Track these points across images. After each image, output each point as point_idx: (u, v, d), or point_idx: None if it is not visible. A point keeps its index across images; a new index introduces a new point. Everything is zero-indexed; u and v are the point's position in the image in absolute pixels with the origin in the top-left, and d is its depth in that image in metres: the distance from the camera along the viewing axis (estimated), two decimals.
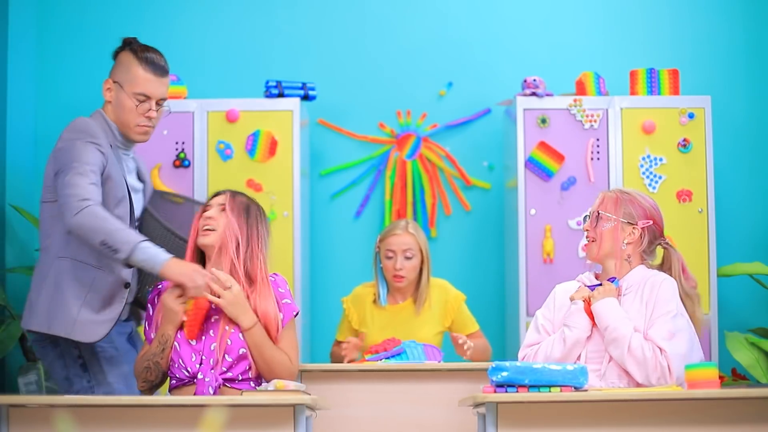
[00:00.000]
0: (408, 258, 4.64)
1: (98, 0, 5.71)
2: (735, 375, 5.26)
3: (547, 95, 5.24)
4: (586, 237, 3.71)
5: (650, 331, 3.51)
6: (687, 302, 3.64)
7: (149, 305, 3.71)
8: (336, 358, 4.69)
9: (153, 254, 3.58)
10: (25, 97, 5.56)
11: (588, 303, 3.60)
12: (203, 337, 3.59)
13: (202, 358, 3.56)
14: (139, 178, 3.97)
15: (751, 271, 5.27)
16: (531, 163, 5.19)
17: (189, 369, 3.56)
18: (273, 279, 3.68)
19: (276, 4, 5.74)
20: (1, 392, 5.07)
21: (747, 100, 5.66)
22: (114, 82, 3.85)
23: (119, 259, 3.61)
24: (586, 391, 3.17)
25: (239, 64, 5.67)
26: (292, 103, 5.26)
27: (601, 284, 3.63)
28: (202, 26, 5.70)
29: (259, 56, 5.69)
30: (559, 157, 5.19)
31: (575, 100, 5.22)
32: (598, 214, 3.68)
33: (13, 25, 5.43)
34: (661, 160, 5.19)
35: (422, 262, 4.68)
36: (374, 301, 4.71)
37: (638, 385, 3.47)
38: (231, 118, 5.23)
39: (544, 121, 5.21)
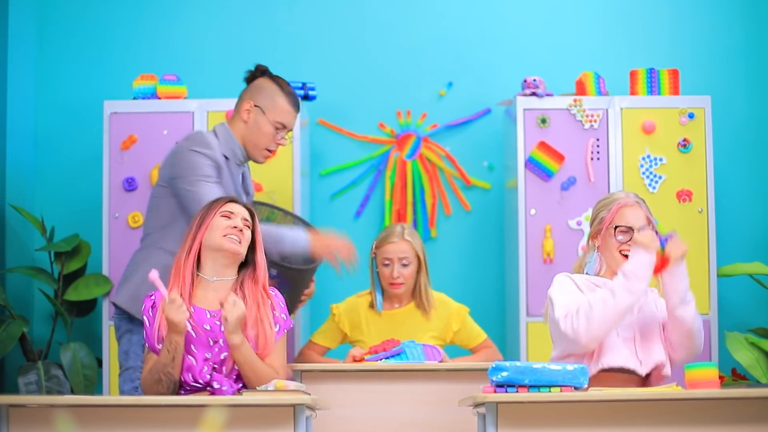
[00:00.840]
0: (404, 265, 4.62)
1: (98, 0, 5.71)
2: (735, 375, 5.26)
3: (547, 95, 5.24)
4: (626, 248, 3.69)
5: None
6: None
7: (144, 316, 3.60)
8: (304, 360, 4.66)
9: (293, 237, 4.12)
10: (25, 97, 5.56)
11: (663, 259, 3.58)
12: (213, 347, 3.53)
13: (213, 367, 3.51)
14: (245, 190, 4.32)
15: (751, 271, 5.27)
16: (531, 163, 5.19)
17: (201, 380, 3.50)
18: (273, 293, 3.67)
19: (276, 4, 5.74)
20: (1, 392, 5.07)
21: (747, 100, 5.66)
22: (255, 106, 4.18)
23: (278, 261, 4.14)
24: (586, 391, 3.17)
25: (239, 64, 5.65)
26: None
27: (669, 237, 3.61)
28: (202, 26, 5.70)
29: (259, 56, 5.67)
30: (559, 157, 5.19)
31: (575, 100, 5.22)
32: (655, 231, 3.72)
33: (13, 25, 5.43)
34: (661, 160, 5.19)
35: (419, 267, 4.65)
36: (370, 306, 4.68)
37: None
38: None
39: (544, 121, 5.21)
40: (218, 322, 3.54)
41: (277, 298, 3.67)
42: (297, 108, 4.26)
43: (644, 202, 3.79)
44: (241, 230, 3.62)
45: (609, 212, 3.73)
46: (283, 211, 4.72)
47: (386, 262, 4.64)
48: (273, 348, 3.56)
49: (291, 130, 4.30)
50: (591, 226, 3.80)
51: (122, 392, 4.10)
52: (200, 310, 3.56)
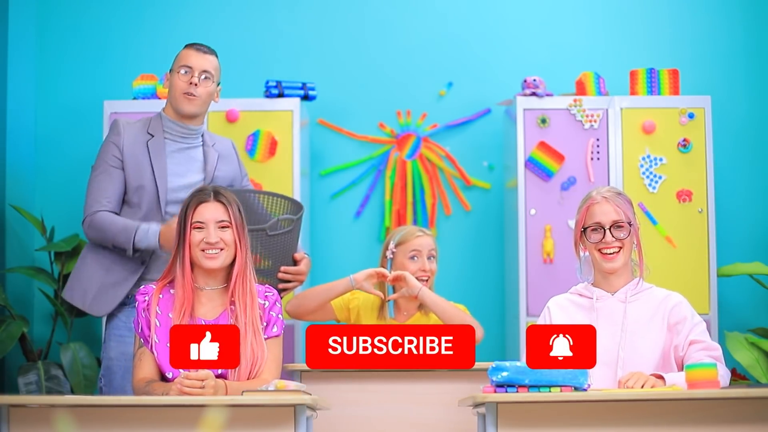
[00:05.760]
0: (431, 259, 4.41)
1: (98, 0, 5.71)
2: (735, 375, 5.26)
3: (547, 95, 5.24)
4: (611, 245, 3.59)
5: (697, 347, 3.53)
6: None
7: (141, 311, 3.52)
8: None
9: (145, 231, 4.00)
10: (25, 97, 5.56)
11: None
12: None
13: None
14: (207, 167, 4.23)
15: (751, 271, 5.27)
16: (531, 163, 5.19)
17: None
18: (272, 294, 3.59)
19: (276, 4, 5.74)
20: (1, 392, 5.07)
21: (747, 100, 5.66)
22: (169, 72, 4.22)
23: (131, 255, 4.06)
24: (586, 391, 3.17)
25: (239, 64, 5.67)
26: (292, 103, 5.26)
27: None
28: (202, 26, 5.70)
29: (259, 56, 5.69)
30: (559, 157, 5.19)
31: (575, 100, 5.22)
32: (631, 222, 3.62)
33: (13, 25, 5.43)
34: (661, 160, 5.19)
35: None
36: (378, 317, 4.40)
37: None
38: (231, 118, 5.23)
39: (544, 121, 5.21)
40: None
41: (273, 297, 3.59)
42: (199, 49, 4.17)
43: (620, 195, 3.66)
44: (216, 243, 3.50)
45: (580, 214, 3.68)
46: (268, 194, 4.43)
47: (414, 254, 4.37)
48: (264, 361, 3.48)
49: (205, 72, 4.14)
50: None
51: None
52: (199, 321, 3.51)
